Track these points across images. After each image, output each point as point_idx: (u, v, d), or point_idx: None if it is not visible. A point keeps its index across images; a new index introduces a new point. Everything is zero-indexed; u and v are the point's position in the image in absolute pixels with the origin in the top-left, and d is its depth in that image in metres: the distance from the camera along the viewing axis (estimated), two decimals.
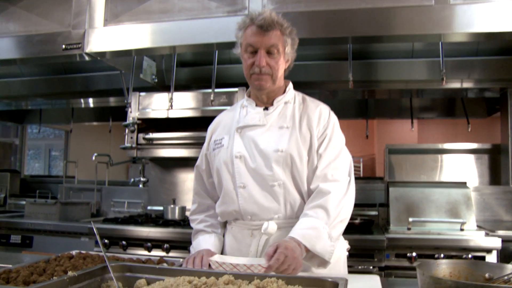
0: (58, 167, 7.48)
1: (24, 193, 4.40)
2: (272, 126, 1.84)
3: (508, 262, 2.74)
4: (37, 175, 5.14)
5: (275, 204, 1.77)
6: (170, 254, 3.26)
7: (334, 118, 1.90)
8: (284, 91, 1.90)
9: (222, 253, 1.98)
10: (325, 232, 1.68)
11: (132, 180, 3.98)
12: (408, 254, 2.83)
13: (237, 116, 1.92)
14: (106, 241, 3.31)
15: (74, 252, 2.04)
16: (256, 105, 1.89)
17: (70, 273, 1.22)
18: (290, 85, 1.93)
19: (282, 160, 1.76)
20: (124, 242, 3.30)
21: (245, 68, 1.80)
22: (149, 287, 1.29)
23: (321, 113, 1.87)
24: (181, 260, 1.93)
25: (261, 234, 1.77)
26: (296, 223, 1.75)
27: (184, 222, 3.47)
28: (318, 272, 1.68)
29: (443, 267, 1.34)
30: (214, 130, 2.00)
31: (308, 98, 1.94)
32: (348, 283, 1.21)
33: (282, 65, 1.81)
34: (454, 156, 3.93)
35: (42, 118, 5.17)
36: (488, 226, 3.17)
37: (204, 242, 1.90)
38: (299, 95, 1.94)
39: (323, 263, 1.69)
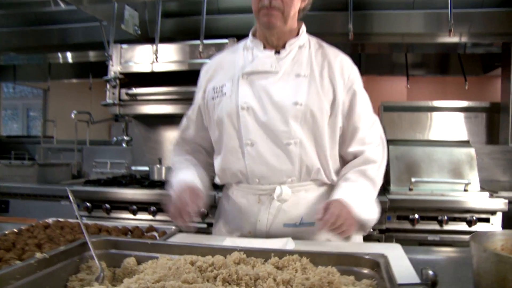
0: (38, 127, 7.04)
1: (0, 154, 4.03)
2: (286, 74, 1.52)
3: None
4: (13, 136, 4.74)
5: (289, 166, 1.48)
6: (157, 217, 2.99)
7: (357, 70, 1.62)
8: (298, 34, 1.57)
9: (217, 221, 1.71)
10: (371, 200, 1.51)
11: (115, 139, 3.64)
12: (410, 216, 2.61)
13: (240, 60, 1.58)
14: (88, 204, 3.01)
15: (50, 220, 1.74)
16: (265, 48, 1.56)
17: (38, 255, 0.92)
18: (303, 27, 1.60)
19: (301, 115, 1.47)
20: (107, 205, 3.01)
21: (253, 1, 1.48)
22: (141, 268, 1.01)
23: (343, 63, 1.57)
24: (173, 228, 1.66)
25: (271, 201, 1.50)
26: (309, 185, 1.54)
27: None
28: (338, 245, 1.43)
29: (497, 238, 1.08)
30: (212, 76, 1.65)
31: (325, 44, 1.63)
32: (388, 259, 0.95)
33: (296, 2, 1.48)
34: (450, 115, 3.69)
35: (16, 75, 4.74)
36: (486, 186, 2.97)
37: (185, 176, 1.61)
38: (313, 39, 1.62)
39: (363, 230, 1.52)
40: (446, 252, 1.57)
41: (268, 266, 0.96)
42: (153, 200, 2.97)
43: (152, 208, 2.97)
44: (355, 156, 1.57)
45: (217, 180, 1.65)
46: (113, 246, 1.08)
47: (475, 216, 2.58)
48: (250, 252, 1.01)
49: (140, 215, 3.01)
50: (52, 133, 4.26)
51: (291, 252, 1.00)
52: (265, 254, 1.01)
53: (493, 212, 2.58)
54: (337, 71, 1.53)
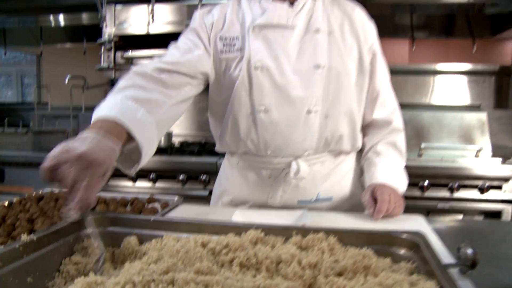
0: (33, 94, 6.82)
1: None
2: (303, 30, 1.33)
3: None
4: (7, 103, 4.55)
5: (307, 138, 1.32)
6: (158, 184, 2.86)
7: (375, 27, 1.46)
8: None
9: (221, 191, 1.54)
10: (403, 174, 1.40)
11: None
12: (419, 183, 2.49)
13: (247, 13, 1.36)
14: None
15: (45, 191, 1.60)
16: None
17: (23, 237, 0.78)
18: None
19: (325, 79, 1.29)
20: None
21: None
22: (144, 248, 0.87)
23: (363, 18, 1.41)
24: (176, 198, 1.52)
25: (285, 177, 1.35)
26: (327, 157, 1.40)
27: (171, 150, 3.04)
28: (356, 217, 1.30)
29: None
30: (218, 23, 1.38)
31: None
32: (425, 238, 0.82)
33: None
34: (456, 78, 3.52)
35: (6, 40, 4.49)
36: (495, 152, 2.82)
37: (115, 106, 1.07)
38: None
39: None
40: (472, 223, 1.45)
41: (290, 247, 0.82)
42: (152, 167, 2.84)
43: (152, 175, 2.84)
44: (381, 123, 1.42)
45: (218, 148, 1.48)
46: (111, 223, 0.94)
47: (487, 183, 2.46)
48: (269, 230, 0.87)
49: (140, 183, 2.88)
50: (46, 100, 4.07)
51: (316, 230, 0.86)
52: (285, 232, 0.87)
53: (506, 179, 2.46)
54: (359, 26, 1.37)
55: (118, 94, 1.14)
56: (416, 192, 2.51)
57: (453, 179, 2.48)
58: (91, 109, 3.76)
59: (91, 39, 4.16)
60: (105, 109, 1.06)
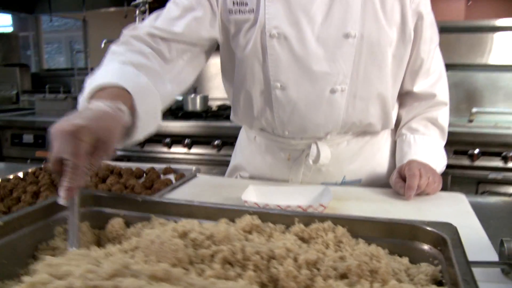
0: (82, 60, 6.93)
1: (38, 88, 3.87)
2: None
3: None
4: (50, 69, 4.59)
5: (330, 120, 1.13)
6: (193, 150, 2.79)
7: None
8: None
9: (239, 162, 1.39)
10: (442, 155, 1.21)
11: None
12: (469, 151, 2.25)
13: None
14: None
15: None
16: None
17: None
18: None
19: (355, 51, 1.07)
20: None
21: None
22: (129, 233, 0.77)
23: None
24: (193, 168, 1.41)
25: (304, 160, 1.20)
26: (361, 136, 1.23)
27: (206, 114, 2.94)
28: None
29: None
30: None
31: None
32: (456, 231, 0.66)
33: None
34: None
35: (52, 6, 4.50)
36: None
37: (115, 73, 0.94)
38: None
39: None
40: None
41: (289, 238, 0.69)
42: (188, 132, 2.76)
43: (187, 141, 2.76)
44: (422, 96, 1.21)
45: (232, 119, 1.33)
46: (97, 202, 0.83)
47: None
48: (267, 216, 0.74)
49: (175, 148, 2.82)
50: (90, 65, 4.07)
51: (322, 218, 0.72)
52: (286, 219, 0.74)
53: None
54: None
55: (115, 59, 1.01)
56: (466, 161, 2.27)
57: (508, 147, 2.22)
58: None
59: (131, 2, 4.08)
60: (104, 77, 0.92)
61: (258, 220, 0.73)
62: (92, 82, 0.90)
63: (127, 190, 1.19)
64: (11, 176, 1.31)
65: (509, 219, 1.06)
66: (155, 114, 1.00)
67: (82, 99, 0.88)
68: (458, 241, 0.62)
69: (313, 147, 1.17)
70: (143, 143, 2.82)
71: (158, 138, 2.81)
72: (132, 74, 0.96)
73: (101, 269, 0.49)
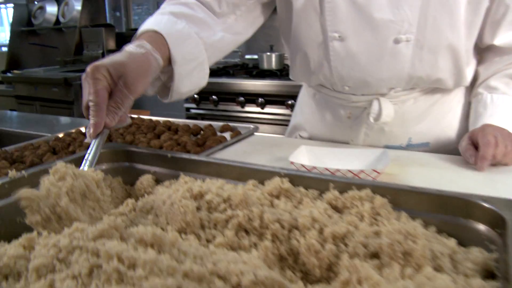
0: None
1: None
2: None
3: None
4: (133, 28, 4.70)
5: (394, 73, 0.99)
6: (266, 109, 2.73)
7: None
8: None
9: (298, 120, 1.32)
10: None
11: None
12: None
13: None
14: (196, 96, 2.86)
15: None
16: None
17: (11, 174, 0.68)
18: None
19: None
20: (215, 97, 2.82)
21: None
22: (158, 191, 0.73)
23: None
24: (252, 126, 1.35)
25: (366, 119, 1.08)
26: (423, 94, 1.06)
27: (281, 72, 2.84)
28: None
29: None
30: None
31: None
32: None
33: None
34: None
35: None
36: None
37: (150, 22, 0.92)
38: None
39: None
40: None
41: (319, 206, 0.60)
42: (261, 91, 2.70)
43: (260, 100, 2.70)
44: (504, 50, 1.00)
45: (291, 76, 1.23)
46: (128, 158, 0.80)
47: None
48: (299, 179, 0.66)
49: (248, 108, 2.78)
50: None
51: (360, 185, 0.62)
52: (320, 184, 0.64)
53: None
54: None
55: (155, 13, 0.98)
56: None
57: None
58: None
59: None
60: (140, 28, 0.92)
61: (288, 183, 0.64)
62: (148, 25, 0.90)
63: (179, 147, 1.16)
64: (73, 130, 1.34)
65: None
66: (197, 61, 0.95)
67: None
68: None
69: (375, 104, 1.04)
70: (217, 102, 2.81)
71: (231, 96, 2.78)
72: (167, 20, 0.92)
73: (90, 229, 0.45)
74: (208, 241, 0.55)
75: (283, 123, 2.67)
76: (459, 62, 0.98)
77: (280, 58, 3.01)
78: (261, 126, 2.68)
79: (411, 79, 1.00)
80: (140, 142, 1.17)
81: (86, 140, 0.72)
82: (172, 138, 1.23)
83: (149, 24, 0.89)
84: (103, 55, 3.93)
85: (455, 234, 0.55)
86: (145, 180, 0.75)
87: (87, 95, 0.71)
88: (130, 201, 0.67)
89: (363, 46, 0.98)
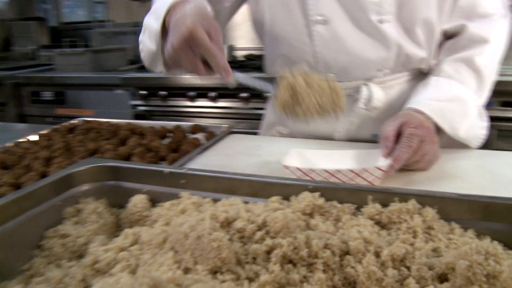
0: (101, 12, 6.70)
1: (56, 43, 3.67)
2: None
3: None
4: (69, 22, 4.37)
5: (381, 53, 0.95)
6: (219, 103, 2.61)
7: None
8: None
9: (272, 121, 1.24)
10: (473, 106, 0.93)
11: None
12: None
13: None
14: (144, 92, 2.68)
15: (79, 121, 1.39)
16: None
17: None
18: None
19: None
20: (164, 92, 2.65)
21: None
22: (155, 214, 0.61)
23: None
24: (225, 126, 1.25)
25: (353, 105, 1.02)
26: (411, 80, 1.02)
27: (233, 65, 2.72)
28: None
29: None
30: None
31: None
32: None
33: None
34: None
35: None
36: None
37: None
38: None
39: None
40: None
41: (363, 223, 0.52)
42: (213, 84, 2.57)
43: (212, 94, 2.58)
44: (455, 34, 0.99)
45: (268, 69, 1.14)
46: (114, 175, 0.67)
47: None
48: (329, 192, 0.57)
49: (200, 102, 2.64)
50: (111, 17, 3.85)
51: (404, 194, 0.54)
52: (355, 196, 0.56)
53: None
54: None
55: None
56: None
57: None
58: None
59: None
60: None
61: (321, 198, 0.55)
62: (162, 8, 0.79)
63: (150, 153, 1.03)
64: (22, 140, 1.16)
65: None
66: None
67: (157, 26, 0.79)
68: None
69: (364, 89, 0.99)
70: (166, 97, 2.65)
71: (181, 91, 2.64)
72: None
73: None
74: (250, 279, 0.45)
75: (237, 117, 2.58)
76: (435, 39, 0.97)
77: (230, 49, 2.91)
78: (213, 121, 2.60)
79: (399, 58, 0.97)
80: (106, 150, 1.03)
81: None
82: (141, 143, 1.09)
83: None
84: (35, 52, 3.60)
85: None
86: (139, 201, 0.63)
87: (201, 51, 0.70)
88: (129, 231, 0.55)
89: (347, 28, 0.95)
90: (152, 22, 0.82)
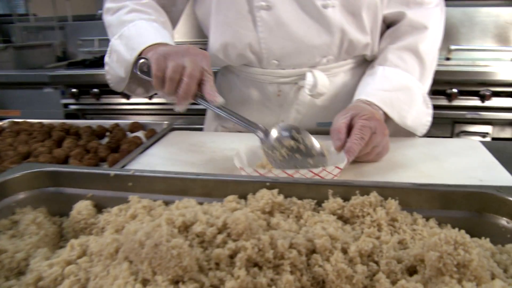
0: (22, 6, 6.25)
1: None
2: None
3: None
4: None
5: (324, 39, 0.94)
6: (155, 100, 2.51)
7: None
8: None
9: (214, 118, 1.21)
10: (419, 94, 0.95)
11: (101, 12, 2.99)
12: (447, 91, 2.11)
13: None
14: (74, 90, 2.51)
15: (6, 123, 1.26)
16: None
17: None
18: None
19: None
20: (96, 90, 2.51)
21: None
22: (101, 221, 0.55)
23: None
24: (165, 123, 1.19)
25: (298, 93, 1.01)
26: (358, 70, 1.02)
27: None
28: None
29: None
30: None
31: None
32: None
33: None
34: None
35: None
36: None
37: (151, 31, 0.94)
38: None
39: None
40: None
41: (326, 219, 0.50)
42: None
43: None
44: (394, 22, 1.01)
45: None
46: (54, 181, 0.60)
47: None
48: (288, 188, 0.54)
49: (135, 99, 2.53)
50: (32, 11, 3.58)
51: (364, 186, 0.53)
52: (315, 191, 0.54)
53: None
54: None
55: (138, 19, 0.98)
56: (443, 101, 2.14)
57: (485, 85, 2.09)
58: (79, 19, 3.20)
59: None
60: (149, 37, 0.92)
61: (280, 195, 0.53)
62: (141, 43, 0.90)
63: (89, 154, 0.96)
64: None
65: None
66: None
67: (130, 57, 0.90)
68: None
69: (309, 75, 0.98)
70: (99, 95, 2.51)
71: (112, 88, 2.51)
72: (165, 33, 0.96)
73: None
74: (215, 287, 0.41)
75: (174, 112, 2.50)
76: (379, 23, 0.98)
77: None
78: (151, 117, 2.50)
79: (342, 44, 0.96)
80: (40, 153, 0.93)
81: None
82: (78, 144, 1.01)
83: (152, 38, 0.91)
84: None
85: (477, 231, 0.49)
86: (83, 208, 0.56)
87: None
88: (75, 242, 0.49)
89: (291, 13, 0.94)
90: (122, 51, 0.91)
